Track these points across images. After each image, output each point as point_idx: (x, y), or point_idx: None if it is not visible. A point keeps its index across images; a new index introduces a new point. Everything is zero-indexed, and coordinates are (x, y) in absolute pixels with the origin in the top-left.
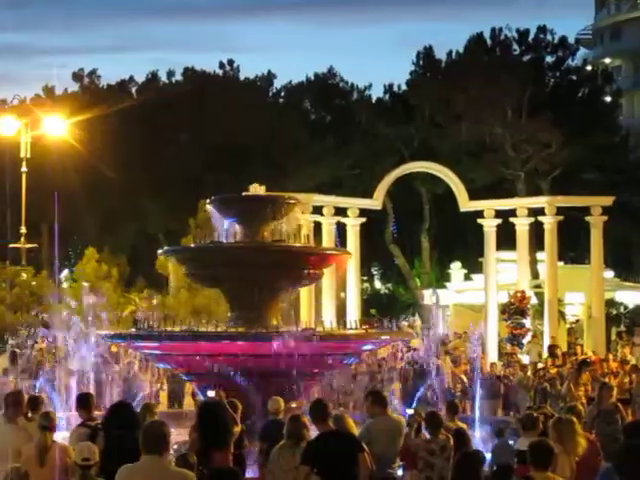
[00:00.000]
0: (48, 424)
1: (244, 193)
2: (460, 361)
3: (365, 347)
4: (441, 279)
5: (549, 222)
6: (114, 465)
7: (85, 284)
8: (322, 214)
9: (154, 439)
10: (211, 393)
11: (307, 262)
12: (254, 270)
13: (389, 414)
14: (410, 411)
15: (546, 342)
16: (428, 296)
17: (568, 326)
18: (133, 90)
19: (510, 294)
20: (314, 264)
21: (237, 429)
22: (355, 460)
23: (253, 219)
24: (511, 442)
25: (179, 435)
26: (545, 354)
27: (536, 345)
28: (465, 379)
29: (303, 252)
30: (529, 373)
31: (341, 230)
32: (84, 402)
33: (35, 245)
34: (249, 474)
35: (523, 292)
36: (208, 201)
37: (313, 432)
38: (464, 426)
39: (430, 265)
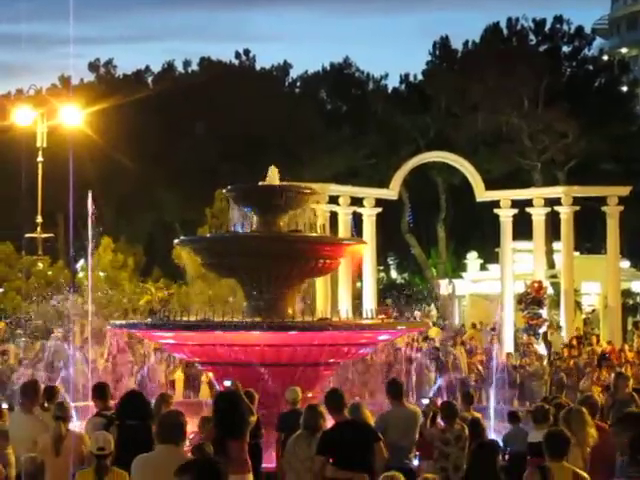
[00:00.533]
0: (62, 414)
1: (260, 183)
2: (475, 351)
3: (381, 337)
4: (457, 269)
5: (565, 212)
6: (128, 455)
7: (101, 274)
8: (338, 204)
9: (170, 429)
10: (227, 383)
11: (323, 252)
12: (270, 260)
13: (405, 404)
14: (425, 401)
15: (563, 332)
16: (444, 286)
17: (584, 316)
18: (149, 80)
19: (527, 284)
20: (330, 254)
21: (253, 419)
22: (371, 450)
23: (269, 209)
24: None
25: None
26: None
27: (559, 335)
28: (481, 369)
29: (319, 242)
30: (545, 363)
31: (357, 220)
32: (100, 392)
33: (51, 235)
34: (266, 464)
35: (540, 282)
36: (224, 191)
37: (329, 422)
38: (479, 416)
39: (446, 255)
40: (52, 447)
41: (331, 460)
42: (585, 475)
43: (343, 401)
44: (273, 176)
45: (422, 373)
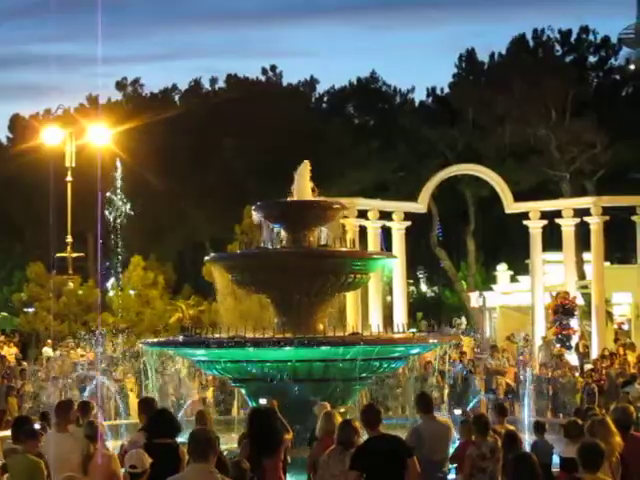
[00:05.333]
0: (92, 433)
1: (289, 198)
2: (509, 363)
3: (412, 351)
4: (487, 281)
5: (595, 222)
6: (157, 473)
7: (131, 292)
8: (367, 218)
9: (201, 446)
10: (263, 401)
11: (353, 267)
12: (300, 275)
13: (435, 418)
14: (458, 412)
15: (594, 343)
16: (475, 299)
17: (615, 327)
18: (176, 98)
19: (552, 295)
20: (360, 269)
21: (289, 437)
22: (404, 465)
23: (298, 224)
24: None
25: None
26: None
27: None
28: (512, 382)
29: (349, 257)
30: (577, 374)
31: (386, 234)
32: (146, 406)
33: (81, 254)
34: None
35: (567, 292)
36: (253, 208)
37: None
38: (513, 428)
39: (476, 267)
40: (81, 466)
41: (364, 475)
42: None
43: (379, 416)
44: (305, 172)
45: (456, 385)
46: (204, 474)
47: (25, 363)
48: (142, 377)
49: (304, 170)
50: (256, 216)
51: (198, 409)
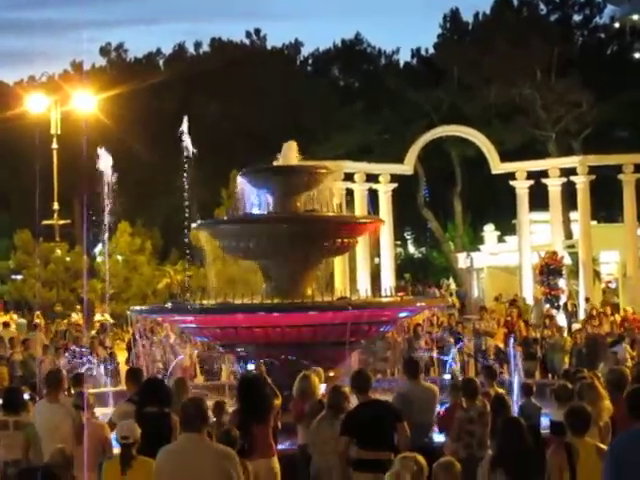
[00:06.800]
0: (80, 403)
1: (275, 163)
2: (498, 324)
3: (401, 314)
4: (474, 242)
5: (581, 182)
6: (148, 442)
7: (119, 258)
8: (354, 181)
9: (193, 417)
10: (251, 366)
11: (340, 232)
12: (287, 241)
13: (421, 382)
14: (447, 376)
15: (581, 302)
16: (462, 259)
17: (603, 285)
18: (160, 63)
19: (541, 255)
20: (347, 233)
21: (278, 402)
22: (395, 429)
23: (285, 189)
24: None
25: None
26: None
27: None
28: (501, 343)
29: (336, 222)
30: (565, 334)
31: (373, 196)
32: (133, 376)
33: (68, 221)
34: (284, 446)
35: (555, 252)
36: (239, 173)
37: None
38: (503, 392)
39: (463, 228)
40: (73, 436)
41: (355, 440)
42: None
43: (369, 382)
44: (291, 151)
45: (443, 349)
46: (196, 443)
47: (13, 330)
48: (131, 344)
49: (289, 151)
50: (242, 182)
51: (177, 377)
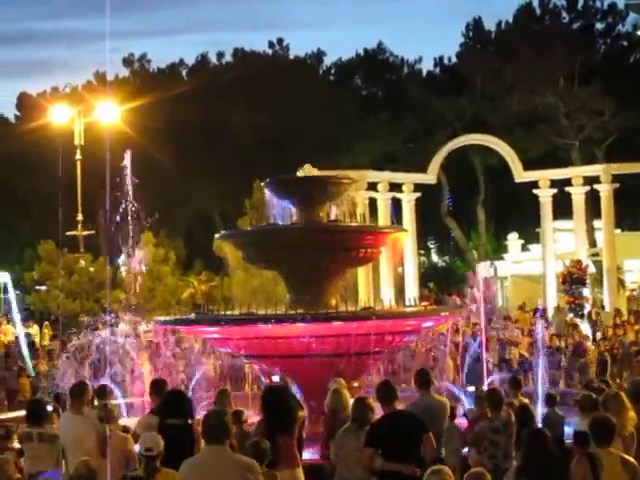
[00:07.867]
0: (105, 415)
1: (298, 173)
2: (522, 333)
3: (425, 324)
4: (498, 251)
5: (605, 190)
6: (170, 454)
7: (143, 268)
8: (377, 190)
9: (216, 429)
10: (276, 378)
11: (364, 242)
12: (311, 251)
13: (431, 394)
14: (471, 388)
15: (606, 310)
16: (486, 268)
17: (627, 293)
18: (184, 73)
19: (565, 264)
20: (371, 243)
21: (302, 413)
22: (420, 441)
23: (308, 200)
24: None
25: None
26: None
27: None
28: (526, 353)
29: (359, 232)
30: (590, 343)
31: (396, 205)
32: (157, 388)
33: (92, 232)
34: (309, 455)
35: (579, 261)
36: (263, 183)
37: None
38: (527, 402)
39: (487, 237)
40: (96, 448)
41: (379, 452)
42: (632, 460)
43: (394, 393)
44: (309, 173)
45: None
46: (219, 455)
47: (37, 341)
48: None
49: (308, 172)
50: (266, 192)
51: (220, 388)
